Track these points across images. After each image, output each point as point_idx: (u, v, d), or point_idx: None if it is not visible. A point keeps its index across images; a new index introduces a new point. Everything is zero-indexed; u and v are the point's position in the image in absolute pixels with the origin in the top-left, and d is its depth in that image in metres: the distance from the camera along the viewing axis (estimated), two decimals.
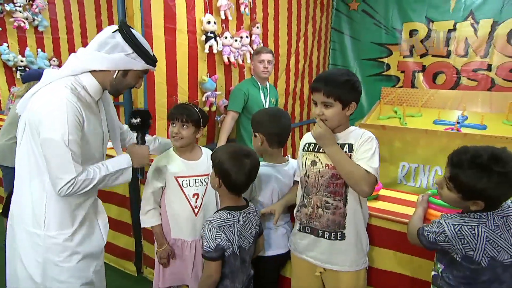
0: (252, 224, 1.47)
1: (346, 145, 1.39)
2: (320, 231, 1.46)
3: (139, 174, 1.55)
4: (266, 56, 2.68)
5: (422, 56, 4.17)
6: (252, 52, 3.00)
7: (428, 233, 1.17)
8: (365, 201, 1.48)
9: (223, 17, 2.72)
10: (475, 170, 1.05)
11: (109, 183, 1.38)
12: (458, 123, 3.26)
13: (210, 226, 1.37)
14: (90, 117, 1.34)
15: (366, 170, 1.31)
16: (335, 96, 1.34)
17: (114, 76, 1.35)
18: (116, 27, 1.34)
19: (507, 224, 1.10)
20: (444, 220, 1.14)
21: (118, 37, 1.31)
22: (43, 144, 1.24)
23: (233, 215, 1.40)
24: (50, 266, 1.33)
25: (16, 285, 1.39)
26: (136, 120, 1.51)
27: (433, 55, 4.09)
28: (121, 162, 1.41)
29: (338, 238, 1.44)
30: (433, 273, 1.28)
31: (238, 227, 1.39)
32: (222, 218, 1.38)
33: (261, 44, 3.14)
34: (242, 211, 1.44)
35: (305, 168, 1.49)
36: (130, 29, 1.35)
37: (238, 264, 1.42)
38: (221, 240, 1.35)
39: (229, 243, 1.37)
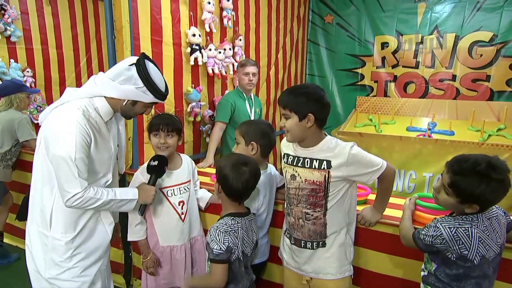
0: (254, 232, 1.52)
1: (324, 162, 1.41)
2: (302, 242, 1.52)
3: (139, 211, 1.61)
4: (251, 69, 2.75)
5: (393, 67, 4.42)
6: (235, 63, 3.07)
7: (425, 237, 1.25)
8: (353, 208, 1.52)
9: (208, 29, 2.78)
10: (476, 177, 1.14)
11: (112, 208, 1.48)
12: (429, 129, 3.48)
13: (217, 231, 1.40)
14: (98, 137, 1.44)
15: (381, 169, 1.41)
16: (290, 107, 1.41)
17: (124, 104, 1.46)
18: (134, 60, 1.43)
19: (492, 225, 1.21)
20: (440, 224, 1.23)
21: (133, 70, 1.41)
22: (53, 160, 1.34)
23: (237, 221, 1.44)
24: (53, 266, 1.45)
25: (32, 280, 1.53)
26: (154, 163, 1.63)
27: (403, 66, 4.36)
28: (129, 193, 1.52)
29: (320, 246, 1.50)
30: (422, 273, 1.37)
31: (241, 233, 1.43)
32: (227, 224, 1.42)
33: (244, 56, 3.22)
34: (245, 218, 1.48)
35: (286, 180, 1.56)
36: (147, 63, 1.43)
37: (242, 269, 1.45)
38: (229, 242, 1.38)
39: (236, 247, 1.40)
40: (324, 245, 1.49)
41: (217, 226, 1.42)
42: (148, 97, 1.45)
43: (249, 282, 1.51)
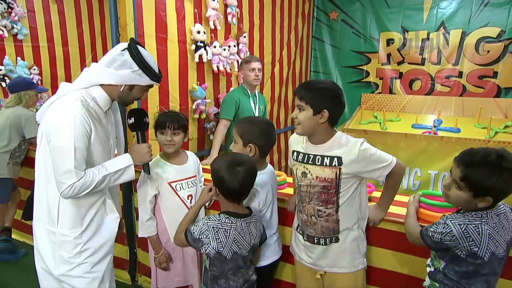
0: (252, 235, 1.48)
1: (335, 158, 1.40)
2: (315, 238, 1.52)
3: (143, 171, 1.61)
4: (256, 65, 2.76)
5: (399, 63, 4.38)
6: (239, 60, 3.07)
7: (433, 234, 1.24)
8: (364, 203, 1.53)
9: (212, 26, 2.78)
10: (487, 168, 1.14)
11: (111, 182, 1.46)
12: (435, 126, 3.45)
13: (206, 221, 1.42)
14: (98, 127, 1.43)
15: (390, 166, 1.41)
16: (306, 100, 1.40)
17: (121, 90, 1.46)
18: (125, 45, 1.43)
19: (500, 221, 1.21)
20: (450, 220, 1.22)
21: (127, 55, 1.41)
22: (52, 151, 1.34)
23: (231, 221, 1.43)
24: (63, 262, 1.44)
25: (40, 280, 1.52)
26: (131, 120, 1.59)
27: (409, 63, 4.31)
28: (122, 162, 1.49)
29: (333, 241, 1.50)
30: (428, 269, 1.36)
31: (233, 234, 1.42)
32: (221, 221, 1.42)
33: (248, 53, 3.22)
34: (242, 219, 1.46)
35: (296, 178, 1.55)
36: (138, 47, 1.43)
37: (230, 267, 1.44)
38: (205, 238, 1.40)
39: (222, 245, 1.40)
40: (337, 240, 1.50)
41: (209, 218, 1.43)
42: (144, 80, 1.46)
43: (244, 280, 1.49)
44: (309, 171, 1.47)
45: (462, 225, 1.19)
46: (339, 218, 1.47)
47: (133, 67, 1.42)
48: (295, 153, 1.55)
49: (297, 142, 1.55)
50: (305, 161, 1.49)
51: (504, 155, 1.14)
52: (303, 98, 1.41)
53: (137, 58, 1.41)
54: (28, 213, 1.58)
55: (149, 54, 1.49)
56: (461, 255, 1.21)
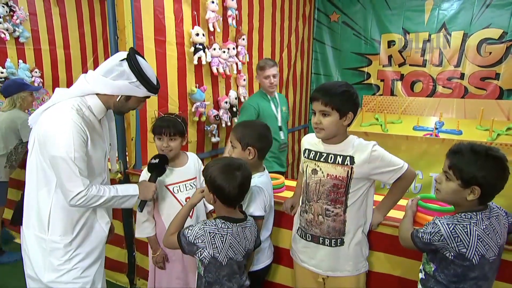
0: (247, 239, 1.46)
1: (348, 158, 1.43)
2: (320, 238, 1.52)
3: (139, 208, 1.64)
4: (271, 71, 2.74)
5: (400, 65, 4.36)
6: (238, 63, 3.07)
7: (423, 234, 1.24)
8: (370, 207, 1.53)
9: (211, 29, 2.78)
10: (473, 155, 1.16)
11: (115, 204, 1.48)
12: (436, 129, 3.42)
13: (202, 225, 1.39)
14: (93, 135, 1.43)
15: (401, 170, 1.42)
16: (332, 105, 1.40)
17: (117, 100, 1.46)
18: (124, 55, 1.42)
19: (492, 225, 1.20)
20: (439, 220, 1.22)
21: (125, 65, 1.41)
22: (52, 161, 1.33)
23: (228, 226, 1.41)
24: (52, 269, 1.42)
25: (28, 286, 1.51)
26: (155, 160, 1.67)
27: (410, 65, 4.29)
28: (130, 189, 1.53)
29: (338, 244, 1.49)
30: (420, 275, 1.35)
31: (230, 239, 1.40)
32: (217, 226, 1.40)
33: (247, 55, 3.21)
34: (238, 224, 1.44)
35: (305, 175, 1.55)
36: (137, 57, 1.43)
37: (225, 273, 1.42)
38: (200, 243, 1.37)
39: (218, 251, 1.38)
40: (342, 243, 1.50)
41: (205, 223, 1.41)
42: (141, 91, 1.46)
43: (238, 286, 1.47)
44: (320, 169, 1.49)
45: (451, 225, 1.19)
46: (346, 219, 1.48)
47: (131, 78, 1.42)
48: (307, 151, 1.57)
49: (310, 141, 1.57)
50: (316, 159, 1.51)
51: (492, 147, 1.18)
52: (329, 104, 1.40)
53: (135, 70, 1.41)
54: (17, 219, 1.57)
55: (148, 64, 1.49)
56: (450, 257, 1.20)
